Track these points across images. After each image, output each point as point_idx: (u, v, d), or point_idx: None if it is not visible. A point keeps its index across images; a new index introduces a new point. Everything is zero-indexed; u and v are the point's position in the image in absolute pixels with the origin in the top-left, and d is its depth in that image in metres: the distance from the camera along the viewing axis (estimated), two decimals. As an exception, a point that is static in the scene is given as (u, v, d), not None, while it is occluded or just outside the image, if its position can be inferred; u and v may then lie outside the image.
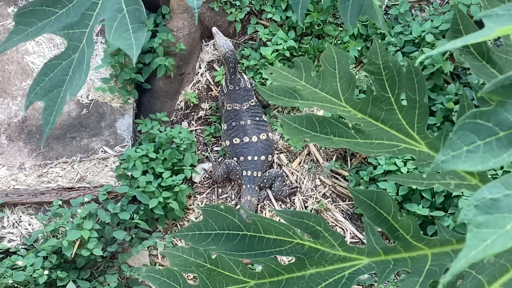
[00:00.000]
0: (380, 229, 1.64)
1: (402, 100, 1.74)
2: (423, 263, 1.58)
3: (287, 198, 4.60)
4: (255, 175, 4.56)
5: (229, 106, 4.71)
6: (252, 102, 4.71)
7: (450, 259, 1.57)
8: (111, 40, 1.38)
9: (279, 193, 4.57)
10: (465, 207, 0.96)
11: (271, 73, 1.82)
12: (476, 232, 0.94)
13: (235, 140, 4.63)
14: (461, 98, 1.62)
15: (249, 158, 4.58)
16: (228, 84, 4.76)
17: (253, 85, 4.79)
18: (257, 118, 4.68)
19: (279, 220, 1.69)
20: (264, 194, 4.63)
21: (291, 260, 1.67)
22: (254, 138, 4.61)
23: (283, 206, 4.59)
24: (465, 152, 0.99)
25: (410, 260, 1.61)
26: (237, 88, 4.72)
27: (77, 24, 1.45)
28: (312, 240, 1.65)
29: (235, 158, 4.62)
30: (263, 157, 4.60)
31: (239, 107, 4.67)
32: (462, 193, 3.93)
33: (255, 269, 1.72)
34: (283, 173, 4.62)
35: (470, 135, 0.99)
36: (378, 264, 1.63)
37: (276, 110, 4.91)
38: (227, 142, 4.66)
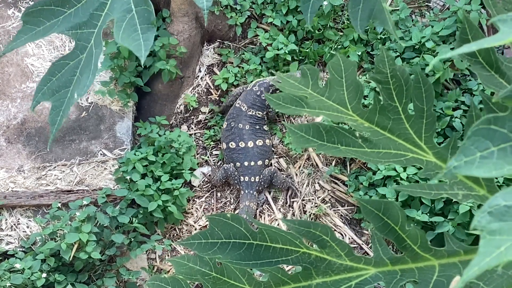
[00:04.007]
0: (387, 239, 1.64)
1: (409, 109, 1.73)
2: (430, 274, 1.58)
3: (289, 193, 4.61)
4: (252, 180, 4.55)
5: (238, 104, 4.69)
6: (259, 114, 4.67)
7: (458, 270, 1.57)
8: (120, 40, 1.37)
9: (283, 185, 4.58)
10: (479, 214, 0.95)
11: (278, 81, 1.81)
12: (490, 239, 0.93)
13: (231, 144, 4.62)
14: (470, 107, 1.61)
15: (246, 164, 4.56)
16: (257, 84, 4.71)
17: (270, 108, 4.76)
18: (257, 126, 4.66)
19: (286, 229, 1.68)
20: (263, 198, 4.62)
21: (296, 268, 1.66)
22: (250, 144, 4.59)
23: (282, 210, 4.59)
24: (479, 158, 0.97)
25: (417, 271, 1.60)
26: (258, 94, 4.67)
27: (86, 24, 1.45)
28: (318, 250, 1.64)
29: (231, 164, 4.61)
30: (259, 162, 4.59)
31: (245, 108, 4.64)
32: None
33: (254, 274, 1.71)
34: (277, 169, 4.61)
35: (484, 141, 0.98)
36: (385, 274, 1.62)
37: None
38: (224, 145, 4.66)
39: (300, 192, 4.61)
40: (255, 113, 4.66)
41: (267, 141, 4.66)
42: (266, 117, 4.75)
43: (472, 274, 0.90)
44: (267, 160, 4.63)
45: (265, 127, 4.71)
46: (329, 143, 1.70)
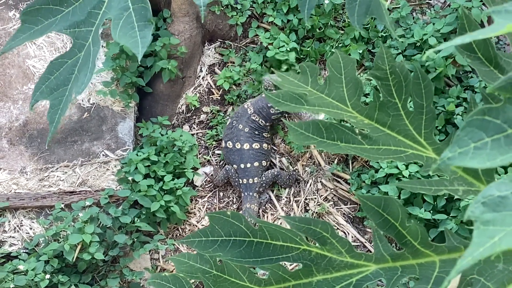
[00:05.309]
0: (388, 235, 1.64)
1: (410, 106, 1.73)
2: (431, 270, 1.57)
3: (295, 185, 4.60)
4: (251, 182, 4.53)
5: (247, 105, 4.67)
6: (261, 122, 4.63)
7: (459, 266, 1.56)
8: (117, 38, 1.37)
9: (289, 181, 4.59)
10: (472, 204, 0.94)
11: (278, 79, 1.81)
12: (483, 229, 0.92)
13: (229, 143, 4.60)
14: (469, 103, 1.61)
15: (242, 166, 4.55)
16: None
17: (274, 121, 4.74)
18: (256, 132, 4.62)
19: (286, 226, 1.68)
20: (266, 198, 4.62)
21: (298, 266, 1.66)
22: (246, 146, 4.57)
23: (284, 208, 4.59)
24: (473, 149, 0.97)
25: (418, 267, 1.60)
26: (269, 105, 4.60)
27: (83, 23, 1.45)
28: (319, 247, 1.64)
29: (230, 165, 4.61)
30: (256, 163, 4.56)
31: (250, 111, 4.60)
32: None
33: (257, 273, 1.71)
34: (280, 171, 4.59)
35: (478, 132, 0.98)
36: (385, 270, 1.62)
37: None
38: (223, 143, 4.65)
39: (303, 191, 4.61)
40: (259, 120, 4.63)
41: (265, 145, 4.63)
42: (268, 127, 4.71)
43: (466, 264, 0.90)
44: (264, 162, 4.61)
45: (265, 134, 4.67)
46: (329, 140, 1.70)
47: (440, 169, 1.64)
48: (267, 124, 4.66)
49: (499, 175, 3.90)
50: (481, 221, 0.92)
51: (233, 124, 4.62)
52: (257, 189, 4.54)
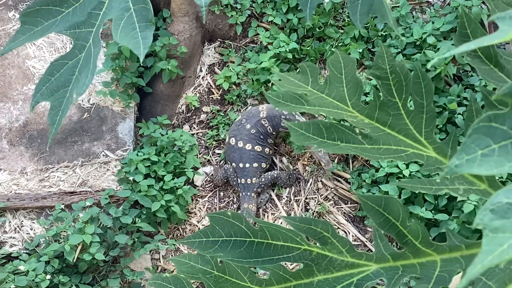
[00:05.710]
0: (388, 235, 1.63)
1: (410, 105, 1.73)
2: (432, 269, 1.57)
3: (296, 184, 4.60)
4: (249, 182, 4.52)
5: (261, 107, 4.63)
6: (269, 129, 4.59)
7: (460, 265, 1.56)
8: (118, 39, 1.36)
9: (289, 181, 4.58)
10: (481, 212, 0.94)
11: (278, 79, 1.81)
12: (492, 237, 0.92)
13: (232, 140, 4.59)
14: (469, 102, 1.61)
15: (241, 165, 4.54)
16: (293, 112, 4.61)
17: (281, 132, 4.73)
18: (262, 137, 4.59)
19: (286, 226, 1.67)
20: (266, 198, 4.61)
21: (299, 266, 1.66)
22: (248, 146, 4.55)
23: (285, 208, 4.59)
24: (480, 156, 0.97)
25: (419, 266, 1.60)
26: (281, 118, 4.57)
27: (84, 24, 1.44)
28: (320, 247, 1.64)
29: (229, 163, 4.60)
30: (255, 164, 4.55)
31: (263, 115, 4.57)
32: (468, 197, 3.90)
33: (258, 273, 1.71)
34: (279, 173, 4.58)
35: (485, 138, 0.98)
36: (386, 270, 1.61)
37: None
38: (227, 139, 4.64)
39: (304, 189, 4.61)
40: (267, 126, 4.59)
41: (267, 149, 4.61)
42: (274, 135, 4.68)
43: (476, 272, 0.89)
44: (264, 164, 4.60)
45: (270, 140, 4.65)
46: (329, 140, 1.69)
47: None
48: (274, 132, 4.64)
49: (501, 174, 3.90)
50: (490, 229, 0.92)
51: (242, 122, 4.60)
52: (255, 189, 4.53)
